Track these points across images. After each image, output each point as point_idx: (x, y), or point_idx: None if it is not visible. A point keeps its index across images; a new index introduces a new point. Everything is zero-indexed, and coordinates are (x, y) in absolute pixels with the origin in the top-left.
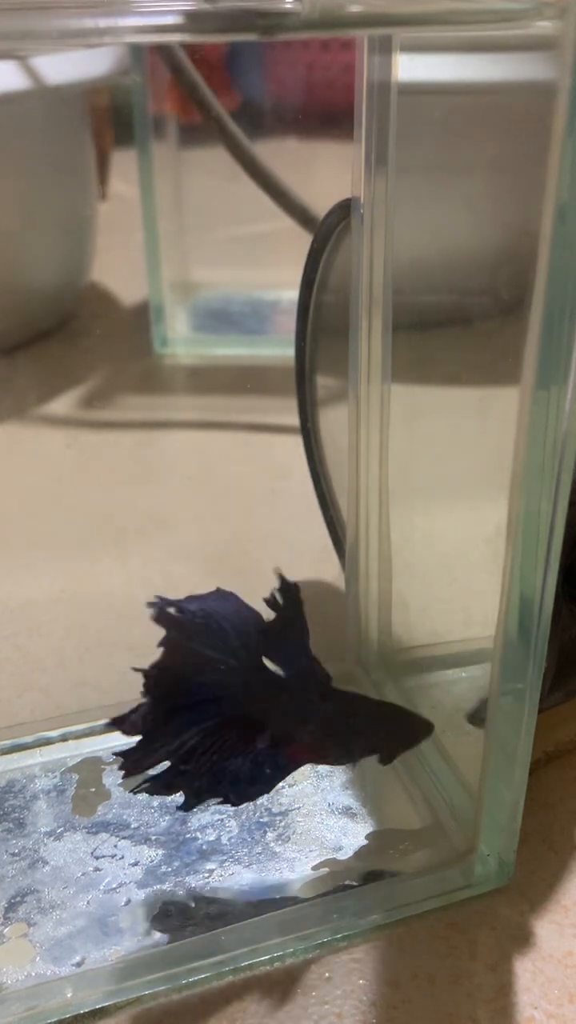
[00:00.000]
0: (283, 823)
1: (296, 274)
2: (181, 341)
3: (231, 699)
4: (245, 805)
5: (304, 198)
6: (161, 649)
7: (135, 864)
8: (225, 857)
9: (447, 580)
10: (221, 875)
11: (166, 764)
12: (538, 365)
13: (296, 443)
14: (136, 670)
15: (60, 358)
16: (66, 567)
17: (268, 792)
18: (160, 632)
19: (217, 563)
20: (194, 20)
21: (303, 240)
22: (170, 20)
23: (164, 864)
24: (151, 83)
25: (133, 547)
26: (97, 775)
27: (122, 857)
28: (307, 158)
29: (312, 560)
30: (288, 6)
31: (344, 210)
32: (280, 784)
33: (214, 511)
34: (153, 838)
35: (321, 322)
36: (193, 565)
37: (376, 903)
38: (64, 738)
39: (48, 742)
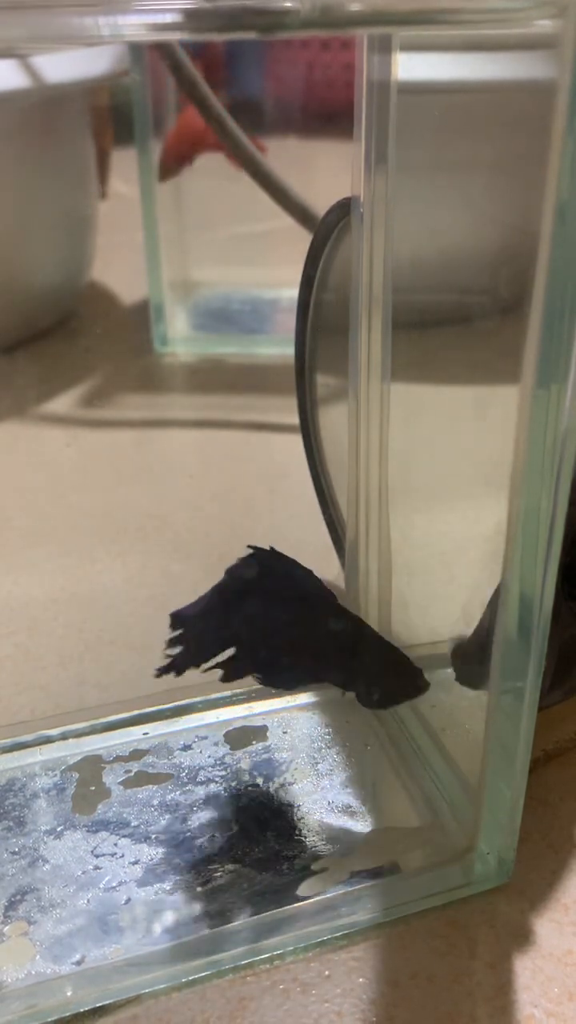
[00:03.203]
0: (283, 821)
1: (296, 273)
2: (181, 340)
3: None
4: (244, 803)
5: (304, 197)
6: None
7: (135, 862)
8: (225, 855)
9: (447, 579)
10: (220, 873)
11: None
12: (538, 364)
13: (296, 442)
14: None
15: (60, 357)
16: (66, 566)
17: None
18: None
19: (217, 561)
20: (194, 18)
21: (303, 239)
22: (170, 18)
23: (164, 863)
24: (151, 82)
25: (133, 546)
26: (97, 773)
27: (122, 855)
28: (307, 157)
29: (312, 559)
30: (288, 4)
31: (344, 209)
32: (280, 782)
33: (214, 510)
34: (153, 836)
35: (321, 321)
36: (193, 563)
37: (376, 901)
38: (64, 736)
39: (48, 740)
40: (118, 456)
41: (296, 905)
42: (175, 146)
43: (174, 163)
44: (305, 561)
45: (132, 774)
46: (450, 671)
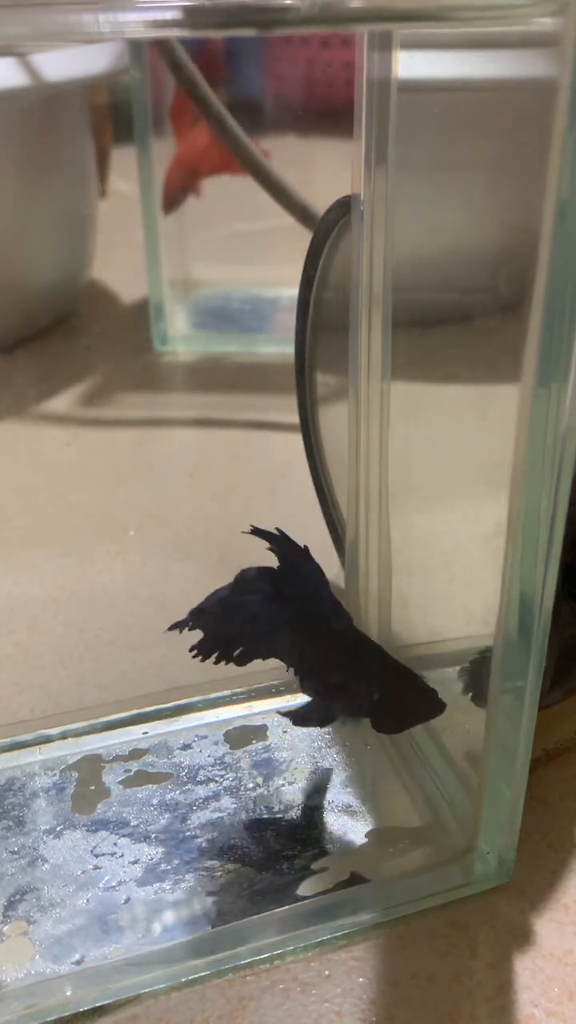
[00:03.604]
0: (283, 821)
1: (296, 271)
2: (181, 338)
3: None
4: (244, 802)
5: (304, 195)
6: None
7: (135, 862)
8: (225, 855)
9: (447, 578)
10: (220, 873)
11: None
12: (538, 362)
13: (296, 441)
14: None
15: (60, 356)
16: (66, 565)
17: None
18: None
19: (216, 560)
20: (194, 15)
21: (303, 237)
22: (170, 15)
23: (164, 862)
24: (151, 80)
25: (132, 545)
26: (97, 773)
27: (122, 855)
28: (307, 155)
29: None
30: (288, 1)
31: (344, 207)
32: (280, 782)
33: (213, 509)
34: (153, 836)
35: (321, 319)
36: (192, 563)
37: (376, 901)
38: (64, 736)
39: (48, 740)
40: (118, 455)
41: (296, 905)
42: (176, 179)
43: (178, 195)
44: None
45: (132, 773)
46: (451, 670)
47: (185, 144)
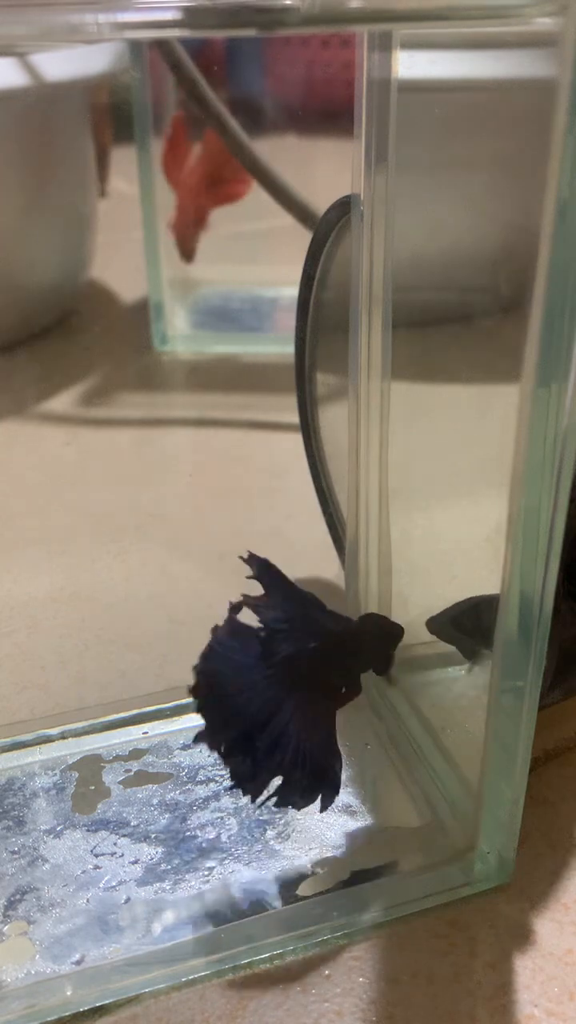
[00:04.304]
0: (283, 821)
1: (296, 271)
2: (181, 338)
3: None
4: (244, 802)
5: (304, 195)
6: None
7: (135, 862)
8: (225, 855)
9: (447, 578)
10: (221, 873)
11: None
12: (538, 362)
13: (296, 440)
14: None
15: (59, 355)
16: (65, 564)
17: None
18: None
19: (216, 561)
20: (194, 15)
21: (303, 237)
22: (169, 16)
23: (164, 862)
24: (151, 80)
25: (132, 544)
26: (97, 773)
27: (122, 855)
28: (307, 155)
29: (312, 558)
30: (288, 1)
31: (344, 207)
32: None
33: (213, 509)
34: (153, 836)
35: (321, 319)
36: (192, 563)
37: (376, 901)
38: (64, 736)
39: (48, 740)
40: (117, 455)
41: (296, 904)
42: (184, 226)
43: (192, 241)
44: (305, 560)
45: (132, 773)
46: (451, 671)
47: (182, 191)
